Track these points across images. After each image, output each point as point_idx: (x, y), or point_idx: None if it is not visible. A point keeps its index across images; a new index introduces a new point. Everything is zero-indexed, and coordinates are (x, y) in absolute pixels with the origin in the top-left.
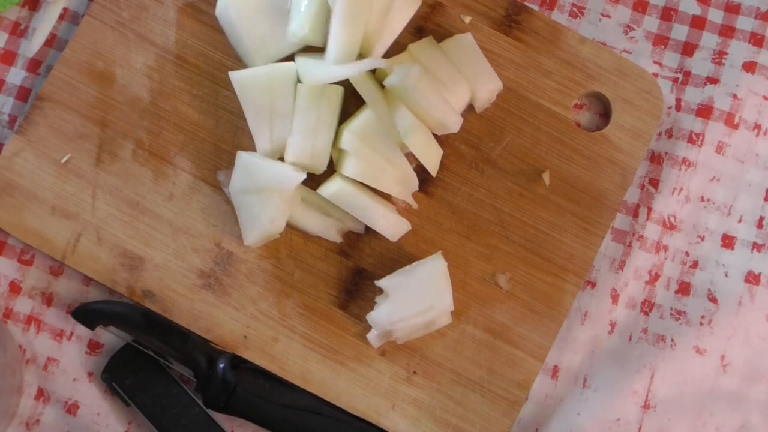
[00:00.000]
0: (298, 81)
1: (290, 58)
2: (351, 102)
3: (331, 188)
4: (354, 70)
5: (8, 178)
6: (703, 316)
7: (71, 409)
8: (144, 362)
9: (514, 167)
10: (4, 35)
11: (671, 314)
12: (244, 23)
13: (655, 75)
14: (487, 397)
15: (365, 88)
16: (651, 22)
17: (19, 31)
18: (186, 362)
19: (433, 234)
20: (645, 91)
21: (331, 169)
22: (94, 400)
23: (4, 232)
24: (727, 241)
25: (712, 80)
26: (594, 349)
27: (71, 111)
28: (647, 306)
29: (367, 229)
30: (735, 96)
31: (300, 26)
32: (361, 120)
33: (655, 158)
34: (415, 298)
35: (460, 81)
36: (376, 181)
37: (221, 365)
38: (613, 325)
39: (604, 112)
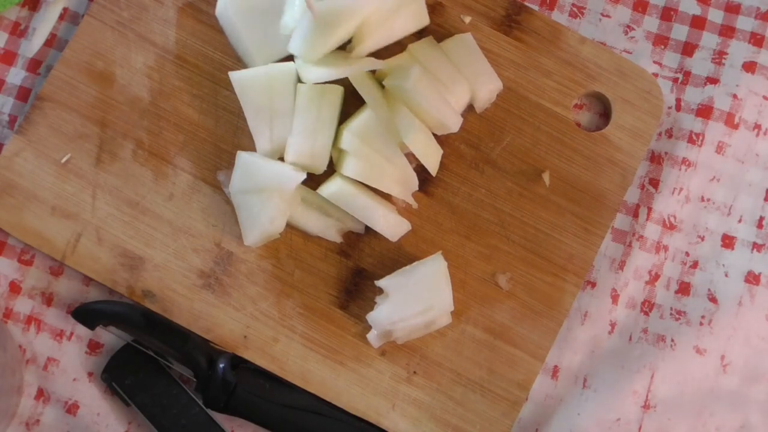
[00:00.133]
0: (298, 81)
1: (290, 58)
2: (351, 102)
3: (331, 188)
4: (354, 70)
5: (8, 178)
6: (703, 316)
7: (71, 409)
8: (144, 362)
9: (514, 167)
10: (4, 35)
11: (671, 314)
12: (244, 23)
13: (655, 75)
14: (487, 397)
15: (365, 88)
16: (651, 22)
17: (19, 31)
18: (186, 362)
19: (433, 234)
20: (645, 91)
21: (331, 169)
22: (94, 400)
23: (4, 232)
24: (727, 241)
25: (712, 80)
26: (594, 349)
27: (71, 111)
28: (647, 306)
29: (367, 229)
30: (735, 96)
31: (292, 18)
32: (361, 120)
33: (655, 158)
34: (415, 298)
35: (460, 81)
36: (376, 181)
37: (221, 365)
38: (613, 325)
39: (604, 112)
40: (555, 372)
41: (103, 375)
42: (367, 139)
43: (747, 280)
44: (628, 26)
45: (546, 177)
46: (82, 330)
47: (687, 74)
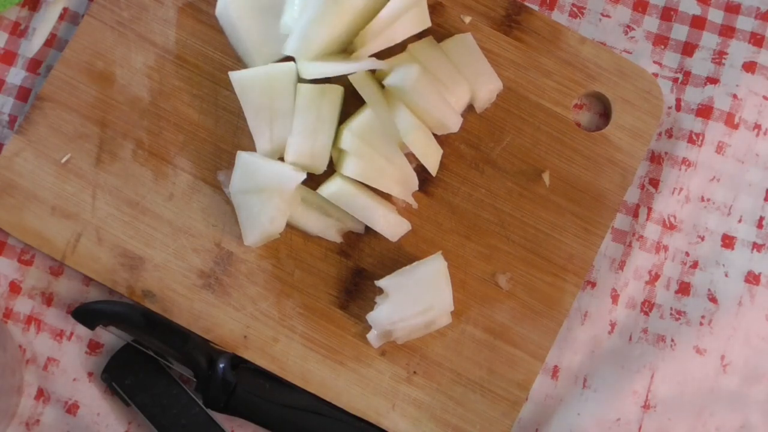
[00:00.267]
0: (299, 81)
1: (291, 58)
2: (351, 102)
3: (331, 188)
4: (354, 68)
5: (8, 178)
6: (703, 316)
7: (71, 409)
8: (144, 362)
9: (514, 167)
10: (4, 35)
11: (671, 314)
12: (244, 23)
13: (655, 75)
14: (487, 397)
15: (365, 88)
16: (651, 22)
17: (19, 31)
18: (186, 362)
19: (433, 234)
20: (645, 91)
21: (331, 169)
22: (94, 400)
23: (4, 232)
24: (727, 241)
25: (712, 80)
26: (594, 349)
27: (71, 111)
28: (647, 306)
29: (367, 229)
30: (735, 96)
31: (292, 18)
32: (361, 120)
33: (655, 158)
34: (415, 298)
35: (460, 81)
36: (376, 181)
37: (221, 365)
38: (613, 325)
39: (604, 112)
40: (555, 372)
41: (103, 375)
42: (367, 139)
43: (747, 280)
44: (628, 26)
45: (546, 177)
46: (82, 330)
47: (687, 74)
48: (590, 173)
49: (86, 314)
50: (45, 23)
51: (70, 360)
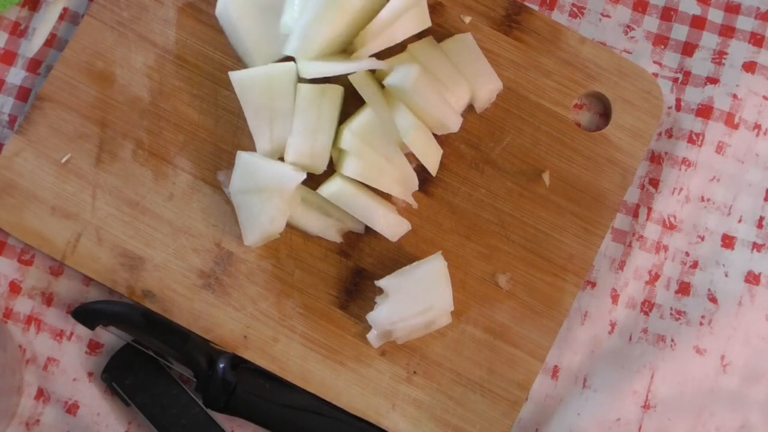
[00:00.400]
0: (299, 81)
1: (291, 58)
2: (351, 102)
3: (331, 188)
4: (354, 68)
5: (8, 178)
6: (703, 316)
7: (71, 409)
8: (144, 362)
9: (514, 167)
10: (4, 35)
11: (671, 314)
12: (244, 23)
13: (655, 75)
14: (487, 397)
15: (365, 88)
16: (651, 22)
17: (19, 31)
18: (186, 362)
19: (433, 234)
20: (645, 91)
21: (331, 169)
22: (94, 400)
23: (4, 232)
24: (727, 241)
25: (712, 80)
26: (594, 349)
27: (71, 111)
28: (647, 306)
29: (367, 229)
30: (735, 96)
31: (292, 18)
32: (361, 120)
33: (655, 158)
34: (415, 298)
35: (460, 81)
36: (376, 181)
37: (221, 365)
38: (613, 325)
39: (604, 112)
40: (555, 372)
41: (103, 375)
42: (367, 139)
43: (747, 280)
44: (628, 26)
45: (546, 177)
46: (82, 330)
47: (687, 74)
48: (590, 173)
49: (86, 314)
50: (45, 23)
51: (70, 360)
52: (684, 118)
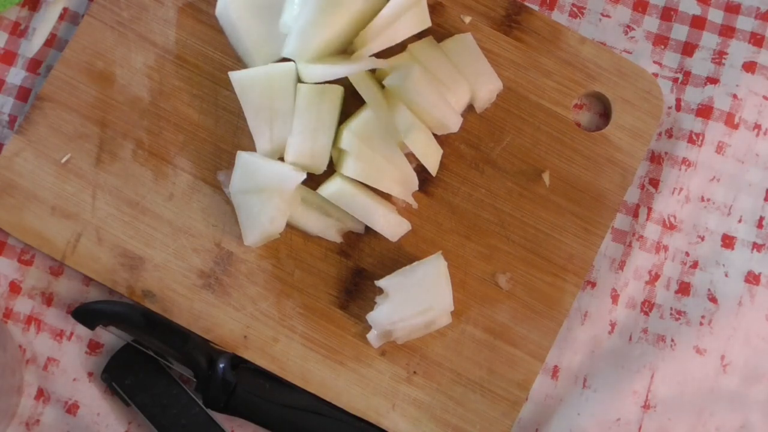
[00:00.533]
0: (299, 81)
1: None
2: (351, 102)
3: (331, 188)
4: (354, 69)
5: (8, 178)
6: (703, 316)
7: (71, 409)
8: (144, 362)
9: (514, 167)
10: (4, 35)
11: (671, 314)
12: (244, 23)
13: (655, 75)
14: (487, 397)
15: (365, 88)
16: (651, 22)
17: (19, 31)
18: (186, 362)
19: (433, 234)
20: (645, 91)
21: (331, 169)
22: (94, 400)
23: (4, 232)
24: (727, 241)
25: (712, 80)
26: (594, 349)
27: (71, 111)
28: (647, 306)
29: (367, 229)
30: (735, 96)
31: (292, 18)
32: (361, 120)
33: (655, 158)
34: (415, 298)
35: (460, 81)
36: (376, 181)
37: (221, 365)
38: (613, 325)
39: (604, 112)
40: (555, 372)
41: (103, 375)
42: (367, 139)
43: (747, 280)
44: (628, 26)
45: (546, 177)
46: (82, 330)
47: (687, 74)
48: (590, 173)
49: (86, 314)
50: (45, 23)
51: (70, 360)
52: (684, 118)
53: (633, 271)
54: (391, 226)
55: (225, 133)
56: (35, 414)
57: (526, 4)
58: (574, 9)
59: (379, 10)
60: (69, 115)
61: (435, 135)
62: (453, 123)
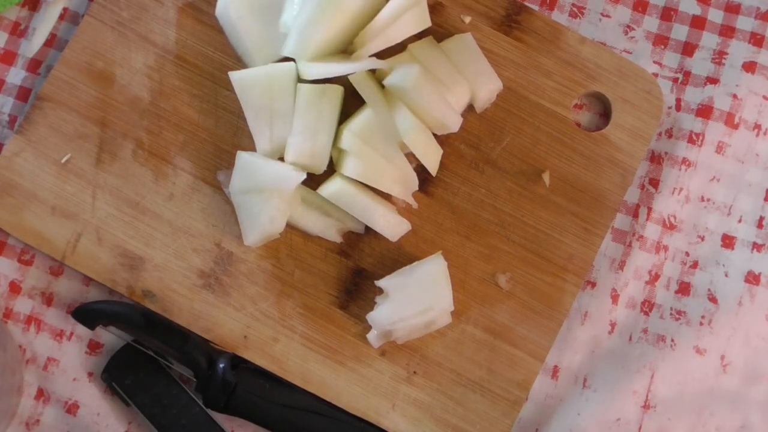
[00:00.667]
0: (299, 81)
1: (290, 58)
2: (351, 102)
3: (331, 188)
4: (354, 68)
5: (8, 178)
6: (703, 316)
7: (71, 409)
8: (144, 362)
9: (514, 167)
10: (4, 35)
11: (671, 314)
12: (244, 23)
13: (655, 75)
14: (487, 397)
15: (365, 88)
16: (651, 22)
17: (19, 31)
18: (186, 362)
19: (433, 234)
20: (645, 91)
21: (331, 169)
22: (94, 400)
23: (4, 232)
24: (727, 241)
25: (712, 80)
26: (594, 349)
27: (71, 111)
28: (647, 306)
29: (367, 229)
30: (735, 96)
31: (292, 17)
32: (361, 120)
33: (655, 158)
34: (415, 298)
35: (460, 81)
36: (376, 181)
37: (221, 365)
38: (613, 325)
39: (604, 112)
40: (555, 372)
41: (103, 375)
42: (367, 139)
43: (747, 280)
44: (628, 26)
45: (546, 177)
46: (82, 330)
47: (687, 74)
48: (590, 173)
49: (86, 314)
50: (45, 23)
51: (70, 360)
52: (684, 118)
53: (633, 271)
54: (391, 226)
55: (225, 133)
56: (35, 414)
57: (526, 4)
58: (574, 9)
59: (379, 10)
60: (69, 115)
61: (435, 135)
62: (453, 123)
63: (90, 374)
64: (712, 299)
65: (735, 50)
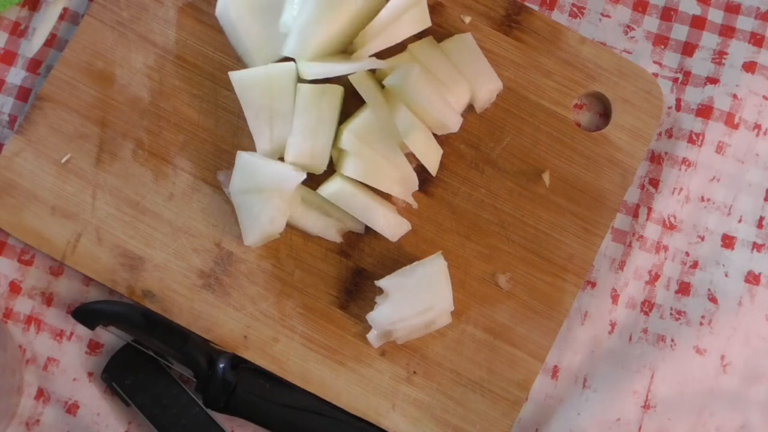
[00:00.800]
0: (299, 81)
1: (290, 58)
2: (351, 102)
3: (331, 188)
4: (354, 68)
5: (8, 178)
6: (703, 316)
7: (71, 409)
8: (144, 362)
9: (514, 167)
10: (4, 35)
11: (671, 314)
12: (244, 23)
13: (655, 75)
14: (487, 397)
15: (365, 88)
16: (651, 22)
17: (19, 31)
18: (186, 362)
19: (433, 234)
20: (645, 91)
21: (331, 169)
22: (94, 400)
23: (4, 232)
24: (727, 241)
25: (712, 80)
26: (594, 349)
27: (71, 111)
28: (647, 306)
29: (367, 229)
30: (735, 96)
31: (292, 17)
32: (361, 120)
33: (655, 158)
34: (415, 298)
35: (460, 81)
36: (376, 181)
37: (221, 365)
38: (613, 325)
39: (604, 112)
40: (555, 372)
41: (103, 375)
42: (367, 139)
43: (747, 280)
44: (628, 26)
45: (546, 177)
46: (82, 330)
47: (687, 74)
48: (590, 173)
49: (86, 314)
50: (45, 23)
51: (70, 360)
52: (684, 118)
53: (633, 271)
54: (391, 226)
55: (225, 133)
56: (35, 414)
57: (526, 4)
58: (574, 9)
59: (379, 10)
60: (69, 115)
61: (435, 135)
62: (453, 123)
63: (90, 374)
64: (712, 299)
65: (735, 50)
